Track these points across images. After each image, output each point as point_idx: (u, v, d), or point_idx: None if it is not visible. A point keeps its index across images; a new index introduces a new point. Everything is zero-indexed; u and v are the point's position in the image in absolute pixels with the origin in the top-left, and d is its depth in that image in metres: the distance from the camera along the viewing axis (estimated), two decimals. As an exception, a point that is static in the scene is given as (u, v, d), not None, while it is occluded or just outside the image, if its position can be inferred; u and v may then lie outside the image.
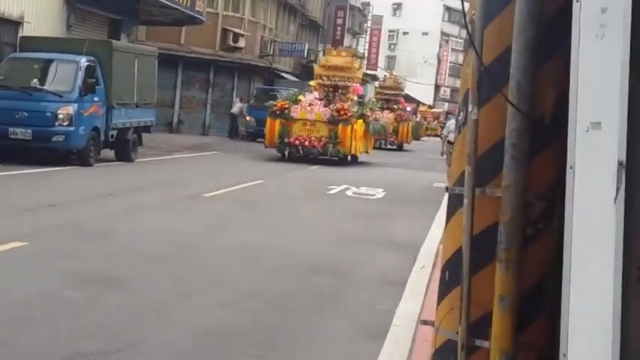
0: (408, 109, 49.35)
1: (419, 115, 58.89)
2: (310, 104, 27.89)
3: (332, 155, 27.10)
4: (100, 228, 10.95)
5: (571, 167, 3.18)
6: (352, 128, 27.27)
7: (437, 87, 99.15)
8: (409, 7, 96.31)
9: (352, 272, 9.54)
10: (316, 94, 29.03)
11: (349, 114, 27.41)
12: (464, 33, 4.62)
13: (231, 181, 17.64)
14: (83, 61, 19.87)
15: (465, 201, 3.75)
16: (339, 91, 29.08)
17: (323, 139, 26.97)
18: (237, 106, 40.19)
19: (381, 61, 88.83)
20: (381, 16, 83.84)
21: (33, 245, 9.28)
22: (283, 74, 49.11)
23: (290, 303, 7.88)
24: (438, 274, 4.35)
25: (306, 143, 27.00)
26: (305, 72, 54.97)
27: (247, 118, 38.49)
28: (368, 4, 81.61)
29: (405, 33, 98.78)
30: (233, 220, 13.00)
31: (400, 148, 43.98)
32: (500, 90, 3.63)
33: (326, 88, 29.25)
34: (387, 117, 38.76)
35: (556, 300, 3.33)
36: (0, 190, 14.49)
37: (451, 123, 26.58)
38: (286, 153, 27.38)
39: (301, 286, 8.61)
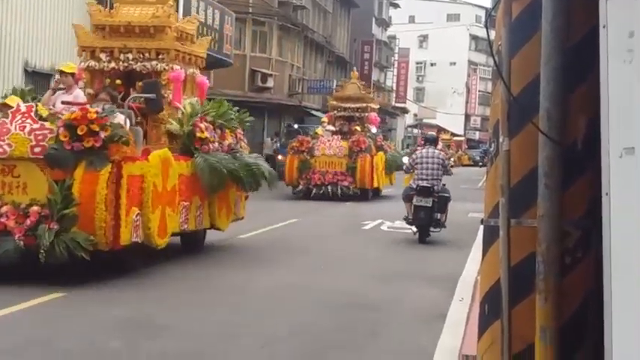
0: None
1: (440, 144, 56.43)
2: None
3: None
4: (141, 274, 10.97)
5: (606, 194, 3.15)
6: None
7: (467, 116, 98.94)
8: (435, 39, 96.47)
9: (391, 307, 9.48)
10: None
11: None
12: (491, 61, 4.63)
13: (266, 221, 17.67)
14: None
15: (501, 232, 3.73)
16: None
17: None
18: (268, 146, 40.32)
19: (410, 94, 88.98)
20: (408, 49, 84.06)
21: (73, 294, 9.32)
22: (313, 111, 49.30)
23: (331, 341, 7.84)
24: (477, 306, 4.31)
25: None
26: (334, 108, 55.20)
27: (280, 157, 38.56)
28: (394, 37, 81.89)
29: (432, 64, 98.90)
30: (270, 260, 12.99)
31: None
32: (531, 119, 3.62)
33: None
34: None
35: (599, 329, 3.29)
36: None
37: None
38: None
39: (341, 323, 8.57)
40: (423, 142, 22.67)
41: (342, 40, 60.78)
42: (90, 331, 7.78)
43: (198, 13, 26.99)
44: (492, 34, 4.08)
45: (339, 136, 27.06)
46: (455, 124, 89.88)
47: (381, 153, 27.62)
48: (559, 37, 3.52)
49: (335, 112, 29.00)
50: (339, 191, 25.62)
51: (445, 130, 72.71)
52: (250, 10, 40.93)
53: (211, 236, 14.12)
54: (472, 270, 11.32)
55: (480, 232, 6.01)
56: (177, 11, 24.72)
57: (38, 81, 22.15)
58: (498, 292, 3.74)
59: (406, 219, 16.07)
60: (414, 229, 15.79)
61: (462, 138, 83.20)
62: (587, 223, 3.62)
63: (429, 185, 15.57)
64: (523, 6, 3.80)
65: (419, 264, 13.05)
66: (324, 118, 29.43)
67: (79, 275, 10.62)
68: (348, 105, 28.78)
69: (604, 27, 3.22)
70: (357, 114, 28.74)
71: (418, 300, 9.99)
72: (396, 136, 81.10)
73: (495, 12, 4.04)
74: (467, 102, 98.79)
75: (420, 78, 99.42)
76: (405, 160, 19.85)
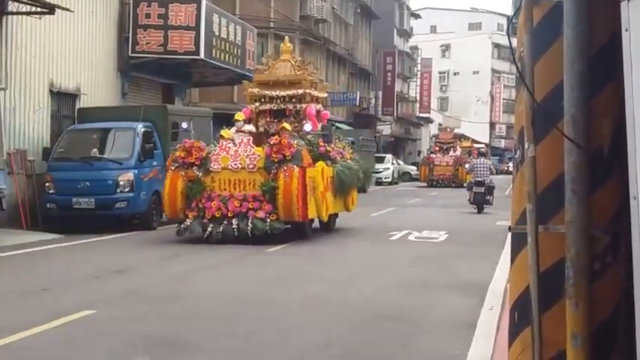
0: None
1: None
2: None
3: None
4: (168, 290, 11.03)
5: (634, 198, 3.14)
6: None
7: (492, 125, 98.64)
8: (458, 48, 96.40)
9: (421, 317, 9.45)
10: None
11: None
12: (514, 69, 4.61)
13: (292, 235, 17.67)
14: (140, 127, 20.21)
15: (529, 239, 3.71)
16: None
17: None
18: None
19: (434, 104, 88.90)
20: (430, 59, 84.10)
21: (102, 312, 9.38)
22: (337, 124, 49.38)
23: (362, 353, 7.83)
24: (507, 314, 4.29)
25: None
26: (359, 120, 55.25)
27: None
28: (416, 47, 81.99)
29: (455, 73, 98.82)
30: (298, 273, 13.00)
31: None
32: (556, 125, 3.61)
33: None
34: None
35: (630, 333, 3.27)
36: (68, 259, 14.71)
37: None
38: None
39: (372, 335, 8.55)
40: (477, 154, 32.18)
41: (365, 52, 60.88)
42: (118, 348, 7.81)
43: (220, 29, 27.18)
44: (514, 41, 4.08)
45: (250, 139, 17.46)
46: (480, 133, 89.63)
47: (322, 164, 17.77)
48: (582, 42, 3.52)
49: (256, 104, 19.38)
50: (250, 227, 16.17)
51: (466, 137, 72.06)
52: (272, 25, 41.12)
53: (239, 251, 14.16)
54: (501, 278, 11.28)
55: (508, 239, 5.99)
56: (199, 25, 25.16)
57: (63, 101, 22.36)
58: (528, 299, 3.73)
59: (469, 200, 26.48)
60: (474, 206, 26.26)
61: (483, 145, 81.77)
62: (615, 228, 3.60)
63: (481, 180, 26.06)
64: (544, 11, 3.80)
65: (448, 273, 13.01)
66: (239, 115, 19.06)
67: (107, 291, 10.70)
68: (275, 93, 19.21)
69: (626, 30, 3.21)
70: (292, 106, 19.29)
71: (448, 309, 9.95)
72: (421, 145, 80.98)
73: (517, 19, 4.04)
74: (491, 110, 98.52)
75: (444, 87, 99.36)
76: (467, 166, 33.13)
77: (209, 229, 16.37)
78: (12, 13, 18.96)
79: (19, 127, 20.10)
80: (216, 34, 26.97)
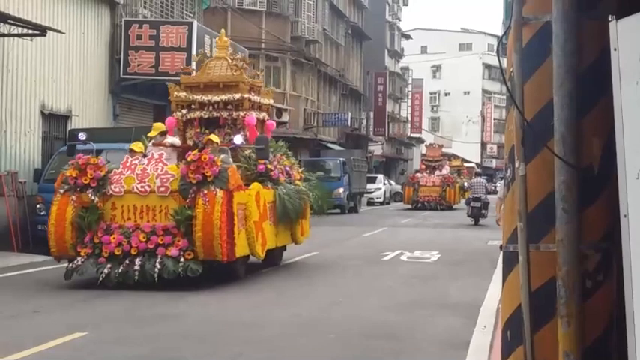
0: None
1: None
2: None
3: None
4: (159, 311, 11.00)
5: (625, 216, 3.15)
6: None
7: (483, 145, 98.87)
8: (449, 68, 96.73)
9: (414, 337, 9.44)
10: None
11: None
12: (505, 89, 4.65)
13: (285, 255, 17.64)
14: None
15: (520, 258, 3.72)
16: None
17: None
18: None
19: (425, 124, 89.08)
20: (422, 79, 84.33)
21: (93, 334, 9.34)
22: (329, 144, 49.44)
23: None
24: (500, 333, 4.29)
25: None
26: (350, 140, 55.32)
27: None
28: (407, 68, 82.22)
29: (446, 94, 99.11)
30: (290, 294, 12.97)
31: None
32: (545, 144, 3.63)
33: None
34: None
35: (622, 351, 3.27)
36: (59, 282, 14.65)
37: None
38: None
39: (363, 354, 8.54)
40: (475, 174, 39.46)
41: (356, 73, 61.04)
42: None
43: (211, 50, 27.23)
44: (504, 61, 4.10)
45: (162, 154, 14.14)
46: (471, 153, 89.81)
47: (258, 186, 14.46)
48: (571, 62, 3.54)
49: (183, 111, 15.75)
50: (158, 269, 12.62)
51: (456, 157, 71.98)
52: (263, 46, 41.21)
53: (224, 272, 14.13)
54: (494, 297, 11.27)
55: (500, 259, 6.00)
56: (190, 46, 25.09)
57: (54, 123, 22.34)
58: (520, 317, 3.73)
59: (467, 214, 30.77)
60: (472, 219, 30.65)
61: (473, 165, 79.30)
62: (606, 246, 3.61)
63: (478, 196, 30.36)
64: (533, 32, 3.82)
65: (440, 292, 13.00)
66: (157, 125, 15.64)
67: (98, 313, 10.66)
68: (207, 98, 15.59)
69: (615, 50, 3.24)
70: (227, 114, 15.60)
71: (441, 329, 9.95)
72: (413, 165, 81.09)
73: (507, 39, 4.07)
74: (482, 130, 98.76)
75: (435, 108, 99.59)
76: (465, 184, 38.00)
77: (105, 270, 12.73)
78: (3, 35, 18.96)
79: (11, 149, 20.07)
80: (208, 55, 27.00)
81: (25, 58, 20.48)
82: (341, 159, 40.55)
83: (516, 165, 3.80)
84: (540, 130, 3.69)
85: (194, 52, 25.27)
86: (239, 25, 38.26)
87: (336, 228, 28.30)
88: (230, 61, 16.12)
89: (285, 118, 41.37)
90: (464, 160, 73.74)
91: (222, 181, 12.95)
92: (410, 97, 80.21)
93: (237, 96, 15.54)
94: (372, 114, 64.18)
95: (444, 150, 73.61)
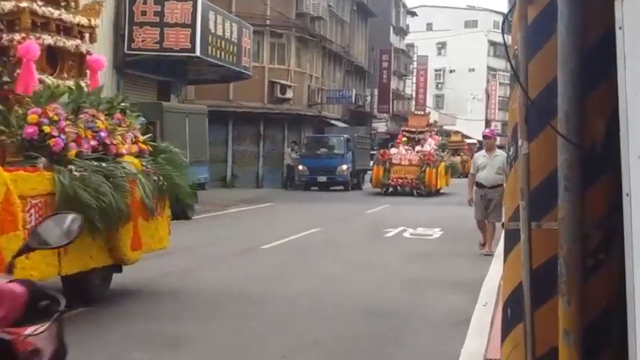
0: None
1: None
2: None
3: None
4: (163, 287, 11.04)
5: (627, 194, 3.15)
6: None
7: (487, 122, 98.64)
8: (454, 45, 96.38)
9: (415, 314, 9.47)
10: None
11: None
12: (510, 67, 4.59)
13: (288, 231, 17.69)
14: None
15: (522, 236, 3.73)
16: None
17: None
18: (288, 156, 40.39)
19: (430, 101, 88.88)
20: (426, 56, 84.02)
21: (99, 309, 9.38)
22: (333, 121, 49.36)
23: (354, 349, 7.84)
24: (501, 311, 4.31)
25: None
26: (354, 117, 55.23)
27: (300, 167, 38.46)
28: (412, 45, 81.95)
29: (451, 71, 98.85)
30: (292, 270, 13.01)
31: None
32: (549, 122, 3.62)
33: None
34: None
35: (623, 331, 3.28)
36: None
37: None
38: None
39: (364, 331, 8.57)
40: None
41: (360, 50, 60.83)
42: (115, 344, 7.82)
43: (216, 26, 27.14)
44: (509, 39, 4.09)
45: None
46: (475, 130, 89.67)
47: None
48: (576, 40, 3.53)
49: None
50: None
51: (456, 132, 70.83)
52: (268, 23, 41.06)
53: (234, 247, 14.15)
54: (496, 274, 11.29)
55: (502, 237, 6.00)
56: (195, 22, 25.04)
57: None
58: (520, 295, 3.74)
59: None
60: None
61: (475, 141, 69.74)
62: (608, 225, 3.61)
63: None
64: (539, 9, 3.81)
65: (442, 269, 13.03)
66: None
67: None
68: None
69: (620, 29, 3.23)
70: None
71: (442, 306, 9.98)
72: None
73: (512, 16, 4.05)
74: (487, 108, 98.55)
75: (440, 85, 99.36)
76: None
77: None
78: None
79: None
80: (212, 31, 26.93)
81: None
82: (345, 136, 40.45)
83: (519, 143, 3.80)
84: (544, 108, 3.68)
85: (198, 28, 25.23)
86: (244, 1, 38.12)
87: (339, 205, 28.33)
88: None
89: (289, 94, 41.36)
90: (464, 136, 72.44)
91: None
92: (415, 74, 80.00)
93: (10, 4, 9.65)
94: (376, 91, 64.08)
95: (448, 127, 72.32)
